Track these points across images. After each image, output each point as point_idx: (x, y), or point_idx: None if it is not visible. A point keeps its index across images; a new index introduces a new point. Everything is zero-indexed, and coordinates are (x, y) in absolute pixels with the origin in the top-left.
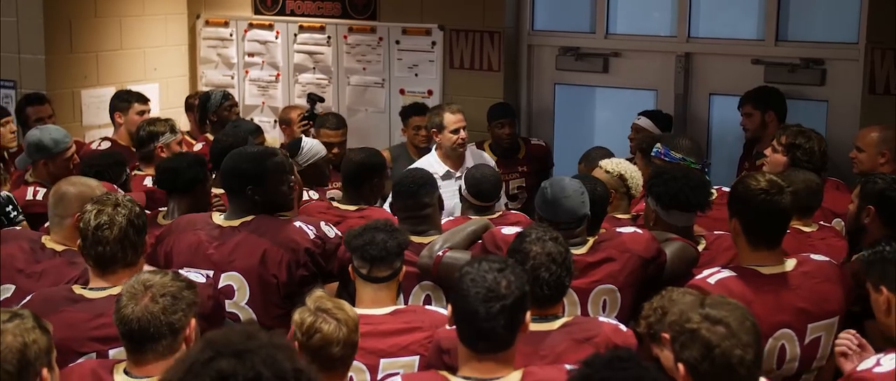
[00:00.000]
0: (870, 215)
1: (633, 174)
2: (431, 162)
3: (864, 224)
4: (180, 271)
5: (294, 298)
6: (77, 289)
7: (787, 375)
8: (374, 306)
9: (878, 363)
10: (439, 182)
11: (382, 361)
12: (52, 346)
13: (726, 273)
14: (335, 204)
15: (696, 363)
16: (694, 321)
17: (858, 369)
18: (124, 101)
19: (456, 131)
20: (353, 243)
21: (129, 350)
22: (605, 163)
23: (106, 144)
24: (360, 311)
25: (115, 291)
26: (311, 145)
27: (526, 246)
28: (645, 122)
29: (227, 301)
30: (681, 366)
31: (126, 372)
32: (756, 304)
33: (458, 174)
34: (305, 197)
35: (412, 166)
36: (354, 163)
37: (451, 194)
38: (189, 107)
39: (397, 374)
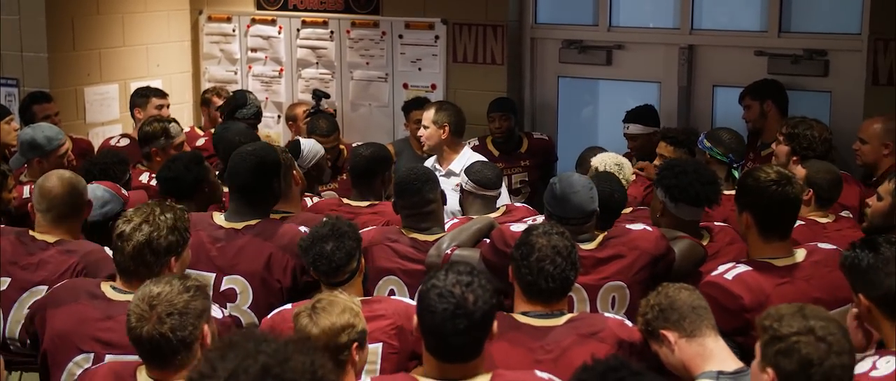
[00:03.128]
0: None
1: (620, 171)
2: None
3: None
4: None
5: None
6: (104, 285)
7: None
8: None
9: (874, 367)
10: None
11: None
12: None
13: (742, 268)
14: (346, 201)
15: (791, 375)
16: (795, 330)
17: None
18: (142, 96)
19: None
20: (304, 258)
21: (147, 364)
22: (596, 161)
23: (125, 141)
24: None
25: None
26: (310, 146)
27: (532, 239)
28: (635, 128)
29: (229, 305)
30: (770, 371)
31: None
32: (774, 297)
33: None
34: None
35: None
36: (364, 157)
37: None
38: (205, 102)
39: None
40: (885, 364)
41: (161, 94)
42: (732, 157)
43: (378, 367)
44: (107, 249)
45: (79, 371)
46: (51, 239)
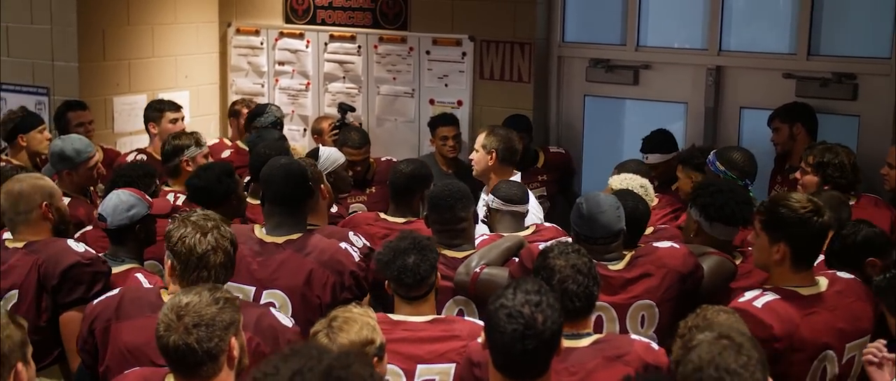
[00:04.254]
0: None
1: (645, 194)
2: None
3: None
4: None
5: None
6: (163, 294)
7: None
8: (413, 315)
9: None
10: None
11: (419, 366)
12: (27, 340)
13: (770, 296)
14: (382, 216)
15: (697, 370)
16: (698, 338)
17: None
18: (156, 110)
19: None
20: (386, 272)
21: (173, 373)
22: (613, 181)
23: (141, 158)
24: (399, 318)
25: None
26: (329, 154)
27: (550, 262)
28: (654, 157)
29: None
30: None
31: None
32: (803, 327)
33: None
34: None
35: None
36: (404, 175)
37: None
38: (234, 113)
39: (433, 380)
40: None
41: (175, 107)
42: (748, 181)
43: None
44: (70, 242)
45: None
46: (20, 244)
